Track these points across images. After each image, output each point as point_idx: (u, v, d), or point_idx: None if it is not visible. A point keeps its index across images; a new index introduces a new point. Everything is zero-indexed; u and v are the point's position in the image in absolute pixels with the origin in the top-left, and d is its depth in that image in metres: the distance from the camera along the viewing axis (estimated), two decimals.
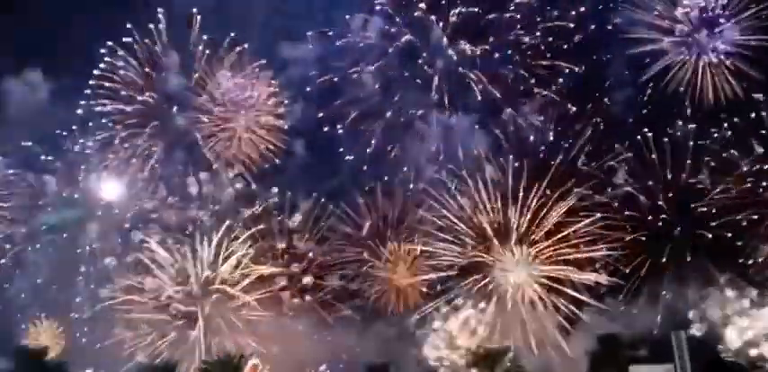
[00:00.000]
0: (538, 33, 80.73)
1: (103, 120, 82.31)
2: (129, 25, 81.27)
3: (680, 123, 78.38)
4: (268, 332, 76.89)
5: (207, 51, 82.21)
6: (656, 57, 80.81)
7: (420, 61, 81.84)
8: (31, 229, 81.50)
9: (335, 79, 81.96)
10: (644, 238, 75.57)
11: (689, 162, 77.59)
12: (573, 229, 74.94)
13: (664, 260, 75.82)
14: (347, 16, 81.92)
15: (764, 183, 76.94)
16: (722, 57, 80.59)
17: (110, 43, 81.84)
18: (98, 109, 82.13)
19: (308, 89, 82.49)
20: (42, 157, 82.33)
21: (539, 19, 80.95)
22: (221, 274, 78.19)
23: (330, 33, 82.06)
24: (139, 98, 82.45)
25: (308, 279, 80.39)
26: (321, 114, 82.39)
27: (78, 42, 79.14)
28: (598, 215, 74.89)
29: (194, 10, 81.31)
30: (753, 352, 72.31)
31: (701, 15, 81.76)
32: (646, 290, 75.15)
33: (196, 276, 77.90)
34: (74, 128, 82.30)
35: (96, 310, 77.19)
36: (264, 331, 76.95)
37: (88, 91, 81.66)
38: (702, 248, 75.70)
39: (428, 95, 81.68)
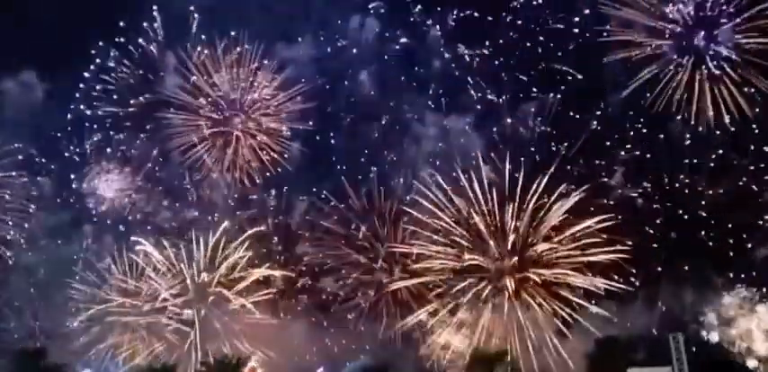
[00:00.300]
0: (534, 36, 79.70)
1: (99, 123, 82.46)
2: (127, 26, 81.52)
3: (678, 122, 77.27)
4: (265, 335, 76.70)
5: (205, 51, 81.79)
6: (649, 62, 76.58)
7: (417, 64, 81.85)
8: (26, 232, 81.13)
9: (332, 81, 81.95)
10: (641, 241, 74.80)
11: (686, 161, 77.27)
12: (570, 232, 74.43)
13: (661, 262, 75.25)
14: (338, 22, 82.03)
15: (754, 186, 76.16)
16: (724, 65, 74.71)
17: (106, 44, 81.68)
18: (93, 111, 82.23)
19: (303, 91, 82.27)
20: (38, 159, 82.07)
21: (533, 26, 79.71)
22: (218, 277, 78.06)
23: (327, 36, 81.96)
24: (135, 100, 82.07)
25: (304, 282, 79.99)
26: (318, 116, 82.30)
27: (74, 43, 78.86)
28: (596, 218, 73.92)
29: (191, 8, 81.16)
30: (751, 354, 72.34)
31: (698, 13, 76.48)
32: (644, 293, 74.38)
33: (192, 279, 77.73)
34: (69, 129, 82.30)
35: (92, 313, 76.79)
36: (261, 333, 76.72)
37: (83, 93, 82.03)
38: (700, 251, 75.06)
39: (425, 98, 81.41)
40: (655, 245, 75.00)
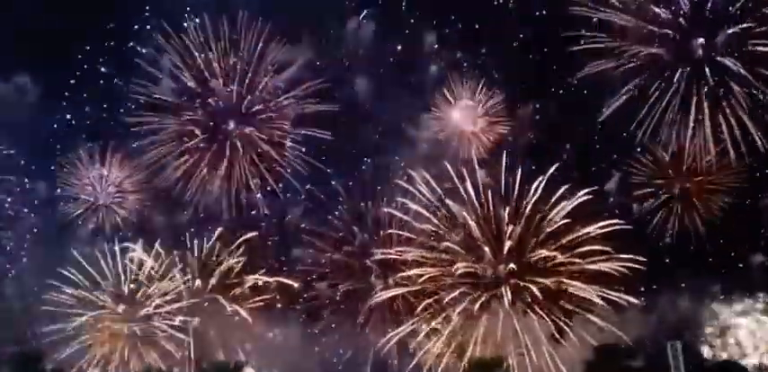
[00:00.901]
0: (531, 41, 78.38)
1: (93, 127, 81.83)
2: (121, 29, 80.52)
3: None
4: (260, 342, 76.30)
5: (201, 55, 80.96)
6: (638, 74, 69.70)
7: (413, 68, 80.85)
8: (19, 236, 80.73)
9: (328, 86, 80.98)
10: (638, 248, 73.93)
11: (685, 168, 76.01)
12: (567, 239, 73.69)
13: (659, 269, 74.21)
14: (335, 26, 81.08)
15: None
16: (729, 81, 65.39)
17: (100, 47, 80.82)
18: (87, 116, 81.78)
19: (299, 96, 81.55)
20: (32, 164, 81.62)
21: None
22: (212, 283, 77.71)
23: (323, 40, 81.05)
24: (129, 105, 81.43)
25: (298, 288, 79.14)
26: (314, 121, 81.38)
27: (68, 46, 78.46)
28: (594, 225, 73.05)
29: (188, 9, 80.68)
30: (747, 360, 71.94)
31: (695, 15, 68.44)
32: (642, 300, 73.45)
33: (186, 285, 77.34)
34: (63, 133, 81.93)
35: (85, 320, 76.37)
36: (256, 340, 76.32)
37: (77, 97, 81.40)
38: (698, 258, 74.37)
39: (421, 101, 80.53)
40: (653, 252, 74.09)
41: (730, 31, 68.95)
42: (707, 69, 69.28)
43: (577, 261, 72.99)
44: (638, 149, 76.47)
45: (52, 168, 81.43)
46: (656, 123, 71.93)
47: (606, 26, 71.56)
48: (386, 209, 77.76)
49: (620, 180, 76.44)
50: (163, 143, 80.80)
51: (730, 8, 68.99)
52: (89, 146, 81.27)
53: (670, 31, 70.78)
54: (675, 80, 70.21)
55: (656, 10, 70.68)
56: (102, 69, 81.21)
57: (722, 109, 69.56)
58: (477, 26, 79.05)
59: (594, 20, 71.28)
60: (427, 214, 75.96)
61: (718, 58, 68.81)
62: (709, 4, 69.40)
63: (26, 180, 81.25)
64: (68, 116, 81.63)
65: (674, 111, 71.17)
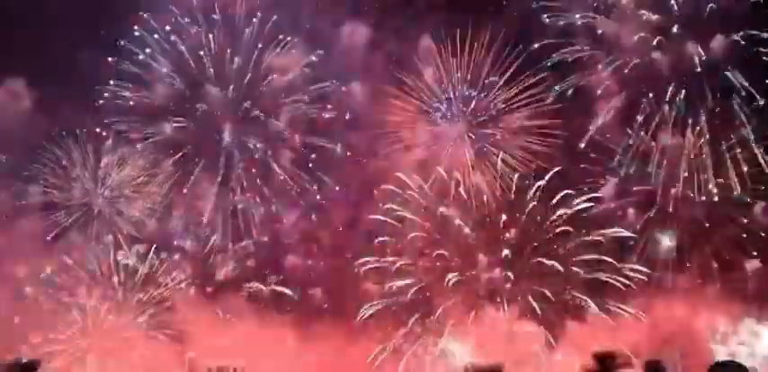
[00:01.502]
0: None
1: (88, 132, 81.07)
2: (115, 33, 79.86)
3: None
4: (255, 349, 75.91)
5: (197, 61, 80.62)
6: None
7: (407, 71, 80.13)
8: (12, 241, 79.92)
9: (324, 90, 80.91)
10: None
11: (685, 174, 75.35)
12: (566, 246, 73.58)
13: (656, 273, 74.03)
14: (329, 29, 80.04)
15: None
16: (734, 101, 59.03)
17: (95, 51, 79.98)
18: (82, 120, 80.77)
19: (297, 99, 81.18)
20: (27, 168, 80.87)
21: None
22: (206, 290, 78.02)
23: (318, 44, 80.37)
24: (124, 109, 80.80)
25: (292, 295, 78.99)
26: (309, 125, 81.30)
27: (63, 49, 77.29)
28: (596, 231, 73.01)
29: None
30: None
31: (690, 19, 63.52)
32: (641, 312, 73.12)
33: (180, 292, 77.37)
34: (58, 138, 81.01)
35: (79, 326, 76.23)
36: (251, 347, 75.96)
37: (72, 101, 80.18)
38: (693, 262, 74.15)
39: (416, 104, 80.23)
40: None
41: (729, 38, 65.19)
42: (704, 79, 65.86)
43: (576, 268, 72.82)
44: (635, 155, 75.72)
45: (45, 173, 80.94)
46: (653, 132, 71.29)
47: (594, 33, 69.52)
48: (379, 216, 77.19)
49: (616, 186, 75.93)
50: (157, 149, 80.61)
51: (732, 13, 65.05)
52: (84, 151, 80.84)
53: (663, 38, 67.24)
54: (670, 90, 67.19)
55: (648, 15, 67.25)
56: (99, 72, 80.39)
57: (721, 119, 67.10)
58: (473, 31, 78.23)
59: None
60: (420, 220, 75.52)
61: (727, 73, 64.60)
62: (707, 9, 65.07)
63: (26, 188, 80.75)
64: (64, 120, 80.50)
65: (669, 123, 69.99)
